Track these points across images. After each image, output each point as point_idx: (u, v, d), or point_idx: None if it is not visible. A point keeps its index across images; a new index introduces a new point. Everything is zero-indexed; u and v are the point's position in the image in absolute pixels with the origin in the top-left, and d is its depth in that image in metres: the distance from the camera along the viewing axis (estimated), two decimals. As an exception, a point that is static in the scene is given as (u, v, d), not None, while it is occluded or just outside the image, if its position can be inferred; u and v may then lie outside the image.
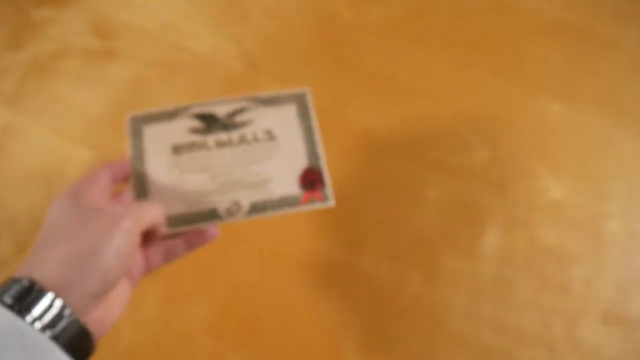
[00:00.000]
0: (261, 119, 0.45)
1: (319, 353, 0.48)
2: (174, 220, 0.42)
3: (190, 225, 0.42)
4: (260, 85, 0.60)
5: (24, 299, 0.30)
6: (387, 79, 0.60)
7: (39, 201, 0.55)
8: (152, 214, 0.38)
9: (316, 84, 0.60)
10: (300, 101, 0.46)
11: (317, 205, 0.42)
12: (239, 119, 0.45)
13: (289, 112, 0.45)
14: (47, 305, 0.30)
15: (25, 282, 0.30)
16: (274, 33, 0.64)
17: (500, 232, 0.52)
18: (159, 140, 0.44)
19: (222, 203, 0.42)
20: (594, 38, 0.63)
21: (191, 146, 0.44)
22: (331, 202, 0.42)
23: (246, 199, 0.42)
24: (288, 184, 0.43)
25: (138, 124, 0.45)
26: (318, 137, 0.44)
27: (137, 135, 0.44)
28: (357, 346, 0.48)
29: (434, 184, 0.55)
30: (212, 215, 0.42)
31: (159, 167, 0.44)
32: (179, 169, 0.43)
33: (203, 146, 0.44)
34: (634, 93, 0.59)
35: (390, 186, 0.54)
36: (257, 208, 0.42)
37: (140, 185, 0.43)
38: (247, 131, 0.44)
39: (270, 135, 0.44)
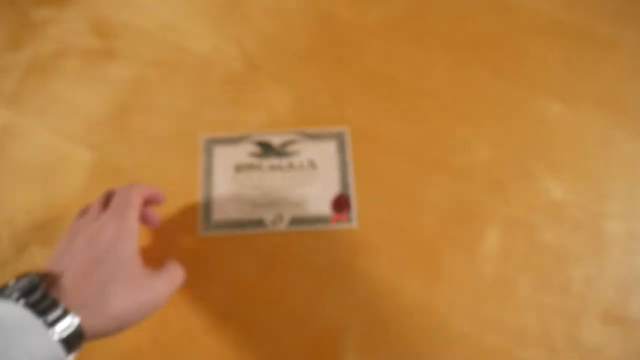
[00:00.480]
0: (306, 151, 0.55)
1: (319, 353, 0.48)
2: (230, 224, 0.52)
3: (242, 230, 0.52)
4: (260, 85, 0.60)
5: (39, 305, 0.35)
6: (387, 79, 0.60)
7: (39, 201, 0.55)
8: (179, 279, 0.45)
9: (316, 83, 0.60)
10: (339, 138, 0.56)
11: (344, 225, 0.52)
12: (289, 149, 0.55)
13: (330, 147, 0.55)
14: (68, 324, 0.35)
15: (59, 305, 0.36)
16: (274, 33, 0.64)
17: (500, 233, 0.52)
18: (225, 160, 0.55)
19: (268, 215, 0.52)
20: (594, 38, 0.63)
21: (250, 167, 0.54)
22: (355, 224, 0.52)
23: (288, 214, 0.52)
24: (322, 206, 0.53)
25: (210, 144, 0.56)
26: (351, 169, 0.54)
27: (208, 154, 0.55)
28: (357, 346, 0.48)
29: (434, 184, 0.55)
30: (259, 223, 0.52)
31: (223, 180, 0.54)
32: (238, 184, 0.54)
33: (259, 168, 0.54)
34: (635, 93, 0.59)
35: (390, 186, 0.54)
36: (295, 221, 0.52)
37: (207, 194, 0.53)
38: (295, 160, 0.55)
39: (312, 165, 0.55)
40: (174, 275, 0.43)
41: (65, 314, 0.35)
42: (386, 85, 0.60)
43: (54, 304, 0.35)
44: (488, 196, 0.54)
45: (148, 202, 0.48)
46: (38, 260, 0.52)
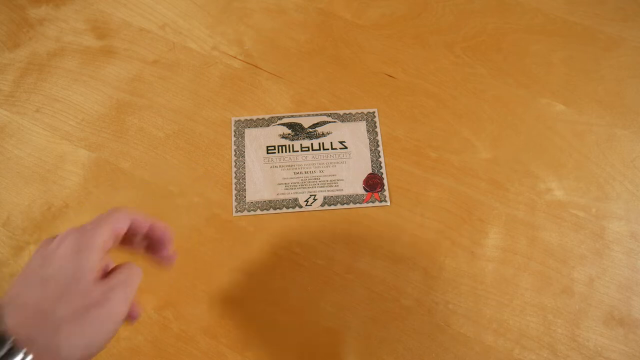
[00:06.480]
0: (337, 132, 0.57)
1: (319, 353, 0.48)
2: (265, 204, 0.53)
3: (275, 210, 0.53)
4: (260, 84, 0.60)
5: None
6: (387, 79, 0.60)
7: (36, 201, 0.54)
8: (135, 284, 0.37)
9: (315, 83, 0.60)
10: (369, 119, 0.57)
11: (377, 204, 0.53)
12: (320, 129, 0.57)
13: (360, 128, 0.57)
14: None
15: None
16: (273, 32, 0.64)
17: (501, 233, 0.52)
18: (256, 141, 0.56)
19: (302, 195, 0.54)
20: (596, 38, 0.62)
21: (281, 148, 0.56)
22: (388, 203, 0.53)
23: (321, 194, 0.54)
24: (355, 185, 0.54)
25: (240, 126, 0.57)
26: (382, 149, 0.56)
27: (239, 136, 0.57)
28: (357, 346, 0.48)
29: (435, 184, 0.54)
30: (293, 203, 0.53)
31: (255, 161, 0.55)
32: (270, 165, 0.55)
33: (290, 149, 0.56)
34: (636, 93, 0.59)
35: (390, 186, 0.54)
36: (329, 202, 0.53)
37: (239, 174, 0.55)
38: (326, 140, 0.56)
39: (343, 145, 0.56)
40: (129, 281, 0.36)
41: (15, 350, 0.31)
42: (386, 85, 0.60)
43: (2, 340, 0.31)
44: (489, 196, 0.54)
45: (150, 237, 0.39)
46: (35, 260, 0.51)
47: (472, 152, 0.56)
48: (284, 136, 0.56)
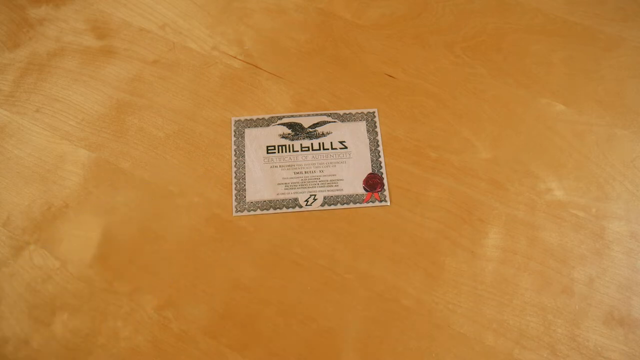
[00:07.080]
0: (337, 132, 0.57)
1: (319, 353, 0.48)
2: (265, 204, 0.53)
3: (276, 210, 0.53)
4: (260, 84, 0.60)
5: None
6: (387, 79, 0.60)
7: (36, 201, 0.54)
8: None
9: (315, 83, 0.60)
10: (369, 119, 0.57)
11: (377, 204, 0.53)
12: (320, 129, 0.57)
13: (360, 128, 0.57)
14: None
15: None
16: (273, 32, 0.64)
17: (501, 233, 0.52)
18: (256, 141, 0.57)
19: (302, 195, 0.54)
20: (596, 38, 0.62)
21: (281, 147, 0.56)
22: (388, 203, 0.53)
23: (321, 193, 0.54)
24: (355, 185, 0.54)
25: (240, 126, 0.57)
26: (381, 149, 0.56)
27: (239, 135, 0.57)
28: (357, 346, 0.48)
29: (435, 184, 0.54)
30: (293, 203, 0.53)
31: (255, 161, 0.55)
32: (270, 164, 0.55)
33: (290, 148, 0.56)
34: (636, 93, 0.59)
35: (390, 186, 0.54)
36: (329, 201, 0.54)
37: (239, 174, 0.55)
38: (326, 140, 0.56)
39: (343, 145, 0.56)
40: None
41: None
42: (386, 85, 0.60)
43: None
44: (489, 196, 0.54)
45: None
46: (35, 261, 0.51)
47: (472, 152, 0.56)
48: (284, 136, 0.56)
